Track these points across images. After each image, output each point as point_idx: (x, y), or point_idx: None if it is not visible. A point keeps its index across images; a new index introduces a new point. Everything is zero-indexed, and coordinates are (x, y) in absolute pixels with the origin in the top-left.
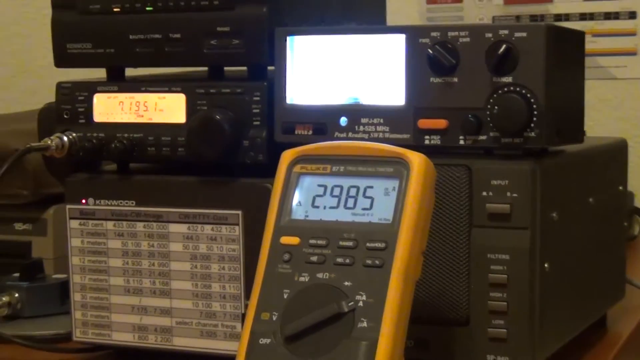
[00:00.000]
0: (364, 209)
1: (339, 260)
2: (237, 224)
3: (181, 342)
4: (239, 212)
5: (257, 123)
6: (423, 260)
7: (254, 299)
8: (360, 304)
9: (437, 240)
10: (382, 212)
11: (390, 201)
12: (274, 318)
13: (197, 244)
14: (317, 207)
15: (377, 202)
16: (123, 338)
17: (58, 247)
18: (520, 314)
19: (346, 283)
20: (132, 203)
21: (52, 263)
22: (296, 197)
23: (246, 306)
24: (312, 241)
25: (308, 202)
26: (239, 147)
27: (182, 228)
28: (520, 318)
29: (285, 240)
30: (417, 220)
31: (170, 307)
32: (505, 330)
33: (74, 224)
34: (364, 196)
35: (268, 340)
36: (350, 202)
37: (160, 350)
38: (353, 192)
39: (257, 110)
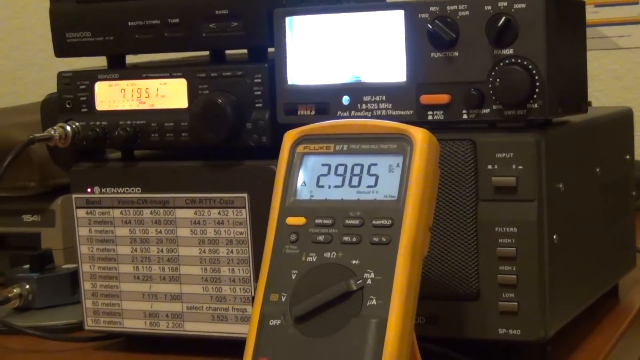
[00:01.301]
0: (369, 186)
1: (346, 239)
2: (244, 207)
3: (192, 327)
4: (245, 194)
5: (260, 105)
6: (430, 236)
7: (262, 281)
8: (369, 281)
9: (444, 216)
10: (386, 189)
11: (395, 178)
12: (283, 299)
13: (204, 228)
14: (322, 186)
15: (381, 179)
16: (134, 325)
17: (67, 238)
18: (530, 287)
19: (354, 261)
20: (138, 190)
21: (61, 253)
22: (300, 178)
23: (256, 289)
24: (318, 221)
25: (313, 182)
26: (242, 130)
27: (188, 213)
28: (531, 291)
29: (291, 220)
30: (422, 196)
31: (181, 293)
32: (515, 303)
33: (80, 213)
34: (369, 174)
35: (278, 322)
36: (355, 181)
37: (172, 336)
38: (357, 170)
39: (259, 93)
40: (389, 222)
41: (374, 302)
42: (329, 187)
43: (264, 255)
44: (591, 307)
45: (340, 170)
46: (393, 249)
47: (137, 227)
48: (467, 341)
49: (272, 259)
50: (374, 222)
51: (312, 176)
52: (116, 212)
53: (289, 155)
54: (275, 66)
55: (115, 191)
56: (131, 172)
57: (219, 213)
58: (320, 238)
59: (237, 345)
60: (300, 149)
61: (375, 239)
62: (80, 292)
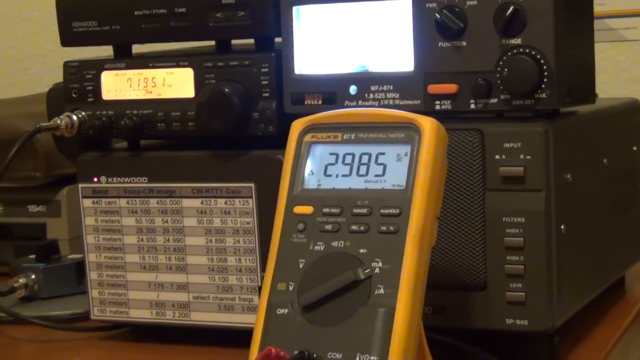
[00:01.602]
0: (377, 175)
1: (354, 227)
2: (251, 197)
3: (199, 317)
4: (252, 184)
5: (267, 95)
6: (438, 226)
7: (270, 270)
8: (377, 270)
9: (452, 206)
10: (394, 178)
11: (403, 167)
12: (291, 288)
13: (211, 218)
14: (330, 175)
15: (389, 168)
16: (141, 315)
17: (73, 228)
18: (538, 277)
19: (361, 250)
20: (145, 179)
21: (67, 244)
22: (308, 167)
23: (262, 278)
24: (325, 210)
25: (320, 171)
26: (249, 119)
27: (195, 203)
28: (538, 281)
29: (299, 210)
30: (430, 185)
31: (187, 283)
32: (523, 293)
33: (87, 202)
34: (376, 163)
35: (285, 310)
36: (363, 170)
37: (178, 325)
38: (365, 159)
39: (266, 82)
40: (397, 211)
41: (382, 291)
42: (337, 176)
43: (271, 244)
44: (598, 299)
45: (348, 159)
46: (401, 238)
47: (144, 217)
48: (474, 331)
49: (279, 248)
50: (381, 211)
51: (319, 165)
52: (122, 202)
53: (296, 144)
54: (282, 56)
55: (122, 181)
56: (138, 161)
57: (226, 203)
58: (328, 227)
59: (243, 335)
60: (307, 138)
61: (383, 228)
62: (86, 282)
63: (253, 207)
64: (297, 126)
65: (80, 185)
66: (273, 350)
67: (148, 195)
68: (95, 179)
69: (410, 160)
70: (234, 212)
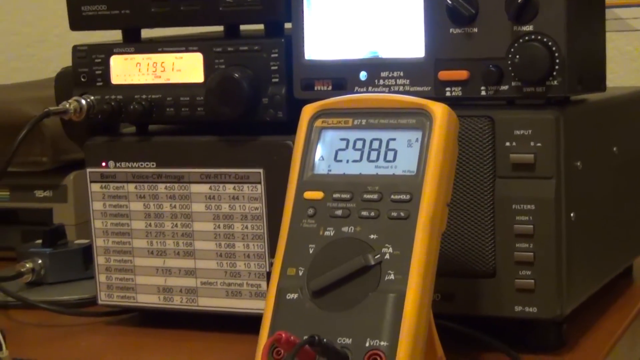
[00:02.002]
0: (387, 161)
1: (364, 213)
2: (259, 182)
3: (206, 303)
4: (261, 170)
5: (276, 80)
6: (448, 212)
7: (280, 255)
8: (387, 256)
9: (462, 193)
10: (405, 164)
11: (414, 153)
12: (300, 273)
13: (219, 203)
14: (340, 161)
15: (400, 154)
16: (148, 300)
17: (79, 213)
18: (547, 265)
19: (372, 236)
20: (153, 164)
21: (73, 229)
22: (319, 152)
23: (271, 264)
24: (336, 195)
25: (331, 157)
26: (258, 105)
27: (203, 188)
28: (548, 268)
29: (309, 195)
30: (441, 171)
31: (195, 268)
32: (532, 281)
33: (95, 187)
34: (387, 148)
35: (295, 296)
36: (373, 155)
37: (185, 311)
38: (376, 144)
39: (276, 68)
40: (408, 196)
41: (392, 276)
42: (347, 161)
43: (281, 229)
44: (605, 287)
45: (359, 144)
46: (411, 224)
47: (152, 202)
48: (483, 318)
49: (289, 233)
50: (392, 196)
51: (330, 150)
52: (130, 187)
53: (307, 129)
54: (292, 41)
55: (130, 165)
56: (146, 146)
57: (234, 188)
58: (338, 212)
59: (251, 320)
60: (318, 123)
61: (394, 214)
62: (93, 267)
63: (262, 192)
64: (307, 111)
65: (88, 170)
66: (283, 335)
67: (156, 180)
68: (104, 164)
69: (421, 146)
70: (243, 197)
